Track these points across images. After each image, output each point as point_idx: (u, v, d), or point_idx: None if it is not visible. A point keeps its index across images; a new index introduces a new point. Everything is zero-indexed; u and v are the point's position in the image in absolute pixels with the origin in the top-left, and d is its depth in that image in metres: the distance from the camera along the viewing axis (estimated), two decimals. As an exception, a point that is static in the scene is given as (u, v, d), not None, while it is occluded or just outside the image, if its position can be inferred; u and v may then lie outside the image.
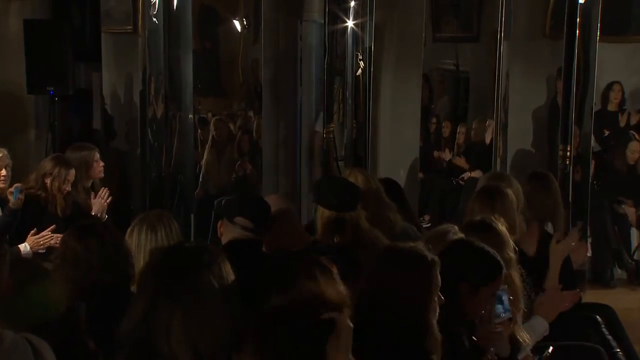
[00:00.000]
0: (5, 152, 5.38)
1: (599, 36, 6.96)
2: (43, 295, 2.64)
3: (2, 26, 7.35)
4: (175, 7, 6.99)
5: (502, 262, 3.25)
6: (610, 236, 7.46)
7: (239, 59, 7.36)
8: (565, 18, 6.79)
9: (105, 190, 5.56)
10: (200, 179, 7.26)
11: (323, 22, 7.48)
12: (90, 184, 5.74)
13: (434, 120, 8.01)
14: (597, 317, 4.78)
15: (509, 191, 4.44)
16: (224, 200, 3.85)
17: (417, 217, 6.38)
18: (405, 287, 2.76)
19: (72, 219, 5.05)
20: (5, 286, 2.39)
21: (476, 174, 7.45)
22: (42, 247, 5.02)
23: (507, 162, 7.49)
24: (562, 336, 4.10)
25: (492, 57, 7.41)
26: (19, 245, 4.98)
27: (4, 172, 5.31)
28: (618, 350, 4.61)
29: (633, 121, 7.80)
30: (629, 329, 4.94)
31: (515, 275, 3.72)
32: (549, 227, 5.06)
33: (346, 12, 7.57)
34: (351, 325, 2.12)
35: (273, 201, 3.88)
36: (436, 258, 2.83)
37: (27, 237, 5.03)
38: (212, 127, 7.28)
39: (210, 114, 7.36)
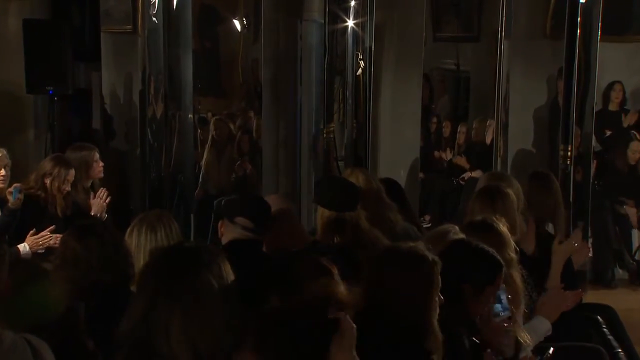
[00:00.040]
0: (5, 152, 5.37)
1: (600, 36, 6.97)
2: (42, 295, 2.64)
3: (2, 26, 7.35)
4: (175, 7, 6.97)
5: (501, 260, 3.26)
6: (611, 236, 7.46)
7: (239, 59, 7.34)
8: (566, 18, 6.80)
9: (103, 190, 5.55)
10: (200, 179, 7.25)
11: (323, 21, 7.47)
12: (89, 184, 5.73)
13: (435, 120, 7.99)
14: (598, 317, 4.77)
15: (510, 191, 4.43)
16: (224, 201, 3.85)
17: (418, 217, 6.36)
18: (406, 287, 2.76)
19: (71, 219, 5.03)
20: (4, 286, 2.39)
21: (477, 174, 7.44)
22: (41, 247, 5.01)
23: (507, 162, 7.49)
24: (563, 336, 4.09)
25: (492, 56, 7.40)
26: (18, 246, 4.97)
27: (3, 172, 5.30)
28: (619, 350, 4.60)
29: (632, 120, 7.79)
30: (630, 329, 4.93)
31: (516, 275, 3.72)
32: (550, 228, 5.06)
33: (346, 12, 7.56)
34: (354, 325, 2.12)
35: (273, 201, 3.88)
36: (437, 258, 2.83)
37: (26, 237, 5.02)
38: (212, 126, 7.26)
39: (210, 114, 7.34)
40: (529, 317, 3.93)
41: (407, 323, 2.75)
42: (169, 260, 2.33)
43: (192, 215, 7.18)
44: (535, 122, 7.69)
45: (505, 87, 7.37)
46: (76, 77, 7.33)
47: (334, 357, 2.04)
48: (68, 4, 7.63)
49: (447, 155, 8.02)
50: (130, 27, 7.24)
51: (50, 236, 5.02)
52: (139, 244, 3.69)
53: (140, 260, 3.45)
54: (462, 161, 7.84)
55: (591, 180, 7.20)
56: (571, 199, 6.76)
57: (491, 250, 3.25)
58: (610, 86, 7.74)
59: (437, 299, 2.79)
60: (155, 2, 6.95)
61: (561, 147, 6.85)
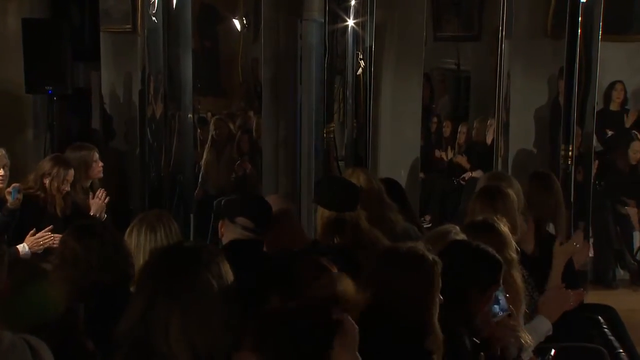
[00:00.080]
0: (4, 152, 5.37)
1: (601, 35, 6.96)
2: (41, 295, 2.64)
3: (1, 25, 7.35)
4: (174, 6, 6.97)
5: (500, 259, 3.27)
6: (612, 237, 7.46)
7: (238, 58, 7.33)
8: (567, 17, 6.79)
9: (102, 191, 5.53)
10: (200, 179, 7.24)
11: (323, 21, 7.45)
12: (89, 184, 5.74)
13: (435, 119, 7.97)
14: (600, 318, 4.78)
15: (510, 191, 4.43)
16: (224, 200, 3.84)
17: (418, 217, 6.35)
18: (406, 287, 2.77)
19: (71, 219, 5.03)
20: (3, 287, 2.39)
21: (477, 173, 7.42)
22: (41, 247, 5.00)
23: (508, 162, 7.48)
24: (565, 337, 4.08)
25: (493, 56, 7.38)
26: (18, 246, 4.97)
27: (2, 171, 5.29)
28: (621, 351, 4.60)
29: (633, 120, 7.78)
30: (631, 329, 4.92)
31: (517, 275, 3.73)
32: (551, 228, 5.05)
33: (346, 11, 7.54)
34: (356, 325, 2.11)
35: (273, 201, 3.86)
36: (437, 258, 2.84)
37: (25, 237, 5.00)
38: (212, 126, 7.26)
39: (209, 114, 7.33)
40: (530, 317, 3.92)
41: (408, 323, 2.75)
42: (168, 259, 2.33)
43: (191, 215, 7.17)
44: (536, 122, 7.67)
45: (506, 86, 7.36)
46: (75, 77, 7.33)
47: (336, 357, 2.04)
48: (67, 3, 7.61)
49: (448, 155, 8.01)
50: (129, 26, 7.23)
51: (50, 236, 5.00)
52: (139, 244, 3.69)
53: (139, 260, 3.45)
54: (462, 161, 7.83)
55: (592, 180, 7.20)
56: (572, 199, 6.76)
57: (490, 249, 3.26)
58: (611, 86, 7.73)
59: (437, 299, 2.80)
60: (154, 1, 6.94)
61: (562, 147, 6.84)
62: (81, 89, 7.56)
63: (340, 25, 7.55)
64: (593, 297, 5.99)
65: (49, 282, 2.76)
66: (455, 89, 8.11)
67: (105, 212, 5.55)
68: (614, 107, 7.81)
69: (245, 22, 7.30)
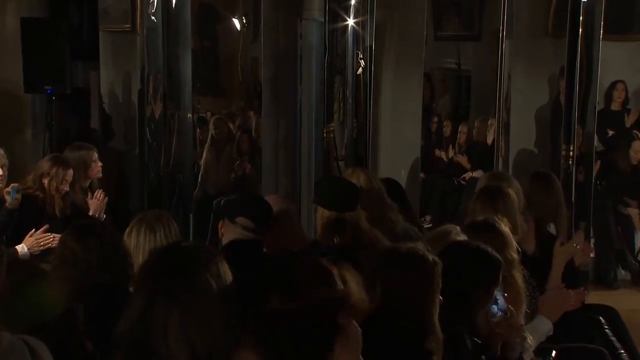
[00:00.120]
0: (2, 152, 5.35)
1: (602, 34, 6.96)
2: (40, 296, 2.64)
3: (-1, 24, 7.34)
4: (173, 5, 6.96)
5: (500, 258, 3.28)
6: (613, 237, 7.47)
7: (238, 58, 7.32)
8: (568, 16, 6.79)
9: (100, 191, 5.52)
10: (199, 179, 7.23)
11: (323, 20, 7.44)
12: (88, 184, 5.73)
13: (435, 119, 7.96)
14: (601, 318, 4.78)
15: (511, 191, 4.42)
16: (225, 200, 3.84)
17: (419, 217, 6.34)
18: (407, 287, 2.79)
19: (70, 219, 5.01)
20: (2, 287, 2.38)
21: (478, 173, 7.41)
22: (41, 247, 4.98)
23: (509, 161, 7.48)
24: (566, 338, 4.08)
25: (494, 55, 7.37)
26: (16, 247, 4.94)
27: (0, 171, 5.27)
28: (622, 351, 4.61)
29: (634, 120, 7.77)
30: (632, 330, 4.93)
31: (518, 276, 3.75)
32: (552, 228, 5.04)
33: (347, 11, 7.54)
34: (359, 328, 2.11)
35: (273, 201, 3.85)
36: (437, 258, 2.85)
37: (24, 238, 4.98)
38: (211, 126, 7.25)
39: (209, 113, 7.32)
40: (531, 317, 3.91)
41: (408, 323, 2.76)
42: (167, 259, 2.33)
43: (191, 215, 7.16)
44: (537, 122, 7.66)
45: (507, 86, 7.36)
46: (74, 76, 7.34)
47: (337, 359, 2.03)
48: (66, 2, 7.62)
49: (448, 155, 8.00)
50: (128, 25, 7.23)
51: (49, 236, 4.98)
52: (138, 244, 3.68)
53: (139, 260, 3.44)
54: (463, 161, 7.82)
55: (593, 180, 7.19)
56: (573, 199, 6.75)
57: (490, 249, 3.26)
58: (612, 85, 7.74)
59: (437, 299, 2.81)
60: (154, 0, 6.94)
61: (563, 146, 6.84)
62: (80, 89, 7.56)
63: (340, 24, 7.54)
64: (594, 297, 5.99)
65: (48, 282, 2.76)
66: (455, 88, 8.11)
67: (105, 212, 5.54)
68: (615, 106, 7.81)
69: (244, 21, 7.29)
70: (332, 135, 7.71)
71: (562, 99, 7.16)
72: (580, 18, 6.73)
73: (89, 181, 5.73)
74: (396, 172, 7.40)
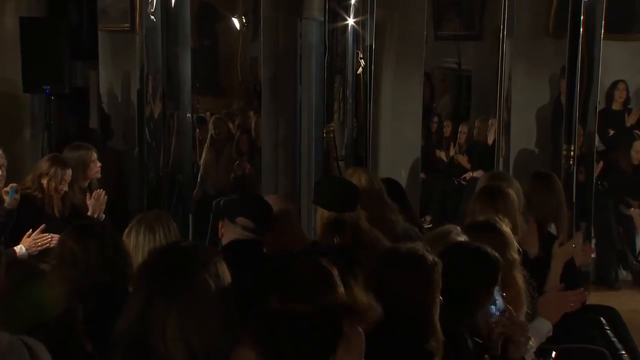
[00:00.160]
0: (1, 152, 5.34)
1: (603, 34, 6.97)
2: (39, 296, 2.63)
3: (-2, 24, 7.34)
4: (173, 5, 6.95)
5: (499, 258, 3.28)
6: (614, 237, 7.47)
7: (237, 57, 7.31)
8: (569, 16, 6.81)
9: (100, 192, 5.51)
10: (199, 179, 7.22)
11: (323, 20, 7.44)
12: (87, 184, 5.72)
13: (436, 119, 7.96)
14: (602, 319, 4.78)
15: (511, 191, 4.41)
16: (225, 201, 3.85)
17: (419, 217, 6.34)
18: (406, 288, 2.79)
19: (69, 219, 5.01)
20: (1, 288, 2.39)
21: (478, 174, 7.40)
22: (39, 248, 4.96)
23: (509, 161, 7.47)
24: (566, 338, 4.06)
25: (494, 55, 7.38)
26: (15, 247, 4.93)
27: (-1, 171, 5.26)
28: (623, 352, 4.60)
29: (635, 119, 7.76)
30: (633, 331, 4.92)
31: (519, 276, 3.75)
32: (552, 228, 5.02)
33: (347, 10, 7.54)
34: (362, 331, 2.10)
35: (272, 201, 3.85)
36: (437, 259, 2.86)
37: (23, 238, 4.97)
38: (210, 126, 7.24)
39: (208, 113, 7.31)
40: (531, 318, 3.90)
41: (408, 324, 2.76)
42: (165, 259, 2.34)
43: (190, 216, 7.15)
44: (538, 122, 7.65)
45: (507, 86, 7.36)
46: (73, 76, 7.34)
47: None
48: (65, 2, 7.63)
49: (449, 155, 7.99)
50: (128, 25, 7.22)
51: (48, 237, 4.97)
52: (137, 245, 3.68)
53: (138, 260, 3.43)
54: (463, 161, 7.81)
55: (594, 180, 7.19)
56: (574, 199, 6.75)
57: (489, 248, 3.26)
58: (614, 85, 7.73)
59: (438, 299, 2.81)
60: (153, 0, 6.92)
61: (564, 146, 6.85)
62: (79, 88, 7.56)
63: (340, 24, 7.55)
64: (595, 298, 6.00)
65: (47, 282, 2.75)
66: (456, 88, 8.11)
67: (104, 212, 5.52)
68: (616, 106, 7.80)
69: (244, 20, 7.28)
70: (332, 135, 7.71)
71: (563, 98, 7.16)
72: (581, 18, 6.74)
73: (88, 181, 5.72)
74: (396, 172, 7.40)
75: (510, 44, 7.30)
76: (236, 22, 7.27)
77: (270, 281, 2.72)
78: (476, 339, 3.18)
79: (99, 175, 5.75)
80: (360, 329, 2.11)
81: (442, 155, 7.99)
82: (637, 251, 7.53)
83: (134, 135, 7.30)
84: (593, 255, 6.79)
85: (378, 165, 7.87)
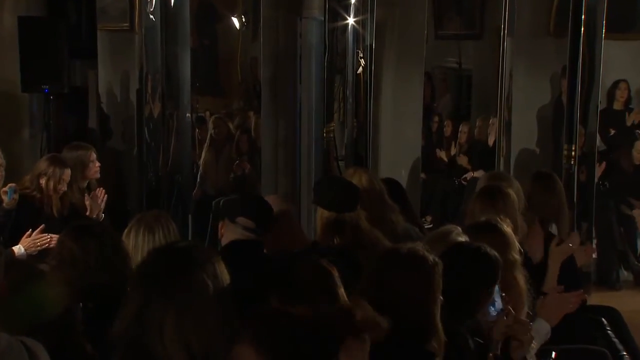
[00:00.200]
0: (-1, 152, 5.33)
1: (604, 33, 6.97)
2: (38, 296, 2.61)
3: (-3, 23, 7.33)
4: (172, 4, 6.95)
5: (499, 257, 3.28)
6: (616, 237, 7.47)
7: (237, 57, 7.30)
8: (570, 15, 6.81)
9: (101, 191, 5.50)
10: (198, 179, 7.21)
11: (323, 19, 7.45)
12: (86, 184, 5.71)
13: (436, 119, 7.96)
14: (603, 319, 4.76)
15: (511, 191, 4.40)
16: (225, 201, 3.84)
17: (419, 217, 6.33)
18: (407, 288, 2.78)
19: (68, 219, 5.00)
20: (0, 288, 2.41)
21: (479, 174, 7.39)
22: (38, 248, 4.95)
23: (510, 161, 7.46)
24: (567, 339, 4.05)
25: (495, 54, 7.38)
26: (13, 248, 4.91)
27: (-3, 171, 5.25)
28: (624, 353, 4.58)
29: (636, 119, 7.75)
30: (635, 331, 4.90)
31: (520, 277, 3.74)
32: (553, 229, 5.01)
33: (347, 10, 7.55)
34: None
35: (272, 202, 3.85)
36: (437, 259, 2.85)
37: (21, 239, 4.95)
38: (210, 126, 7.23)
39: (208, 113, 7.30)
40: (532, 319, 3.88)
41: (409, 324, 2.75)
42: (163, 259, 2.33)
43: (190, 216, 7.14)
44: (539, 121, 7.64)
45: (508, 85, 7.36)
46: (72, 76, 7.35)
47: None
48: (64, 1, 7.65)
49: (449, 155, 7.98)
50: (127, 24, 7.23)
51: (47, 237, 4.95)
52: (137, 245, 3.67)
53: (137, 261, 3.39)
54: (464, 161, 7.80)
55: (596, 181, 7.18)
56: (575, 200, 6.74)
57: (489, 248, 3.26)
58: (615, 85, 7.72)
59: (439, 299, 2.81)
60: (152, -1, 6.93)
61: (565, 146, 6.85)
62: (78, 88, 7.57)
63: (341, 23, 7.55)
64: (596, 298, 5.99)
65: (46, 283, 2.73)
66: (456, 88, 8.10)
67: (103, 213, 5.51)
68: (617, 106, 7.79)
69: (244, 20, 7.27)
70: (332, 135, 7.71)
71: (564, 98, 7.16)
72: (583, 17, 6.74)
73: (87, 181, 5.71)
74: (397, 172, 7.38)
75: (511, 43, 7.31)
76: (236, 21, 7.26)
77: (270, 281, 2.72)
78: (477, 339, 3.18)
79: (98, 175, 5.75)
80: (367, 338, 2.10)
81: (442, 155, 7.98)
82: (639, 252, 7.53)
83: (133, 135, 7.30)
84: (594, 256, 6.77)
85: (378, 165, 7.86)
